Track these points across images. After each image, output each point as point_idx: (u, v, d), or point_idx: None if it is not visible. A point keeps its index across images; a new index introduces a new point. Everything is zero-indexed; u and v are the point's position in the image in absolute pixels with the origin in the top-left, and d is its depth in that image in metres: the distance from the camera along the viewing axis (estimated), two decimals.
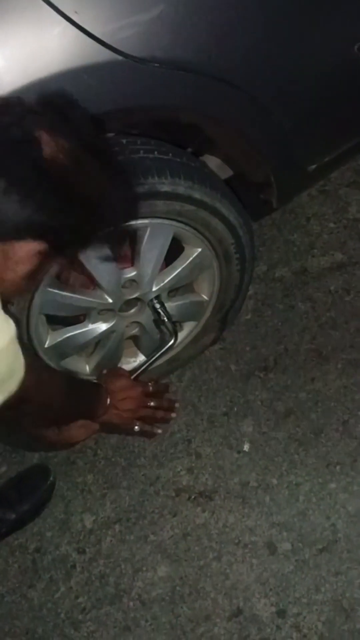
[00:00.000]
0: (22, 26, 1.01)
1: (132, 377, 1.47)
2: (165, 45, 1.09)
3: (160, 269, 1.40)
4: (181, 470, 1.52)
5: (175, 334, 1.46)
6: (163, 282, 1.41)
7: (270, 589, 1.36)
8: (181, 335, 1.55)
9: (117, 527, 1.47)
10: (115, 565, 1.44)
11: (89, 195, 0.84)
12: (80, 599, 1.41)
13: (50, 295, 1.27)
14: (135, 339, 1.55)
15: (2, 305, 0.88)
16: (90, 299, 1.35)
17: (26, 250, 0.84)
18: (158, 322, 1.47)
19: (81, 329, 1.41)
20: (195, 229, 1.35)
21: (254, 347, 1.65)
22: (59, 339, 1.39)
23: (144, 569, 1.42)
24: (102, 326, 1.42)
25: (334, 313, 1.65)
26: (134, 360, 1.59)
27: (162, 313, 1.43)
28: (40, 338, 1.36)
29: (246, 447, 1.52)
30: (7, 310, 0.88)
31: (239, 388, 1.60)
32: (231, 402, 1.59)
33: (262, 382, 1.60)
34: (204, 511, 1.46)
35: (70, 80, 1.04)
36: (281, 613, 1.34)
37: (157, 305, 1.43)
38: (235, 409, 1.58)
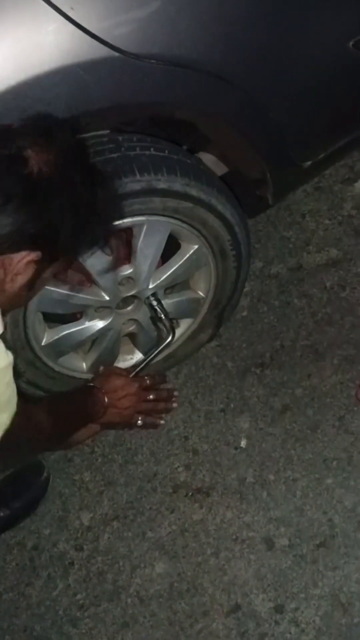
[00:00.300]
0: (18, 22, 1.00)
1: (131, 375, 1.47)
2: (162, 42, 1.08)
3: (156, 266, 1.40)
4: (178, 466, 1.52)
5: (172, 331, 1.46)
6: (160, 279, 1.41)
7: (268, 584, 1.37)
8: (178, 332, 1.55)
9: (114, 524, 1.48)
10: (113, 562, 1.44)
11: (76, 203, 0.90)
12: (78, 596, 1.42)
13: (47, 292, 1.27)
14: (132, 336, 1.55)
15: (1, 315, 0.94)
16: (87, 297, 1.35)
17: (23, 261, 0.90)
18: (155, 319, 1.47)
19: (78, 326, 1.41)
20: (191, 226, 1.35)
21: (250, 344, 1.65)
22: (56, 337, 1.39)
23: (142, 565, 1.42)
24: (99, 324, 1.42)
25: (330, 309, 1.65)
26: (131, 358, 1.59)
27: (159, 310, 1.43)
28: (37, 336, 1.35)
29: (243, 443, 1.52)
30: (5, 341, 0.94)
31: (235, 385, 1.60)
32: (228, 399, 1.59)
33: (259, 379, 1.60)
34: (201, 507, 1.46)
35: (67, 77, 1.04)
36: (279, 608, 1.35)
37: (154, 303, 1.43)
38: (232, 405, 1.58)
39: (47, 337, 1.38)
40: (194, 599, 1.37)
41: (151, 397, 1.49)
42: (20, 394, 0.99)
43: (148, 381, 1.49)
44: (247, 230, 1.45)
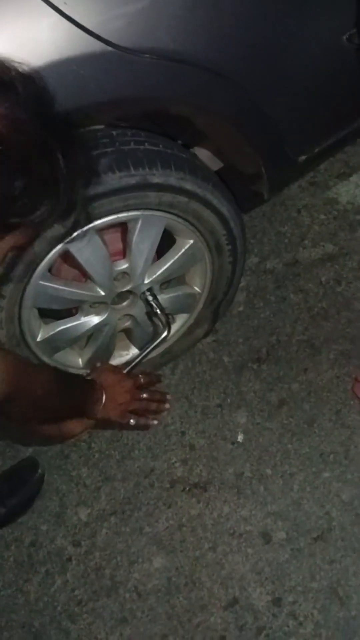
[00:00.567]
0: (12, 18, 1.00)
1: (126, 370, 1.47)
2: (155, 36, 1.08)
3: (152, 261, 1.40)
4: (175, 462, 1.52)
5: (168, 326, 1.46)
6: (155, 274, 1.41)
7: (266, 578, 1.37)
8: (174, 327, 1.55)
9: (112, 519, 1.48)
10: (111, 557, 1.44)
11: (30, 165, 0.79)
12: (76, 592, 1.42)
13: (42, 288, 1.27)
14: (128, 331, 1.55)
15: None
16: (83, 292, 1.34)
17: None
18: (151, 314, 1.47)
19: (73, 322, 1.41)
20: (187, 220, 1.35)
21: (247, 339, 1.66)
22: (52, 333, 1.39)
23: (140, 560, 1.43)
24: (95, 319, 1.42)
25: (326, 304, 1.66)
26: (126, 354, 1.59)
27: (154, 305, 1.43)
28: (32, 332, 1.35)
29: (240, 438, 1.53)
30: None
31: (232, 380, 1.61)
32: (224, 394, 1.59)
33: (255, 374, 1.60)
34: (198, 502, 1.46)
35: (61, 72, 1.04)
36: (277, 601, 1.35)
37: (150, 298, 1.43)
38: (229, 400, 1.58)
39: (43, 333, 1.38)
40: (192, 594, 1.38)
41: (144, 395, 1.49)
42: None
43: (142, 380, 1.49)
44: (242, 225, 1.45)
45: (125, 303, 1.45)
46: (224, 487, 1.47)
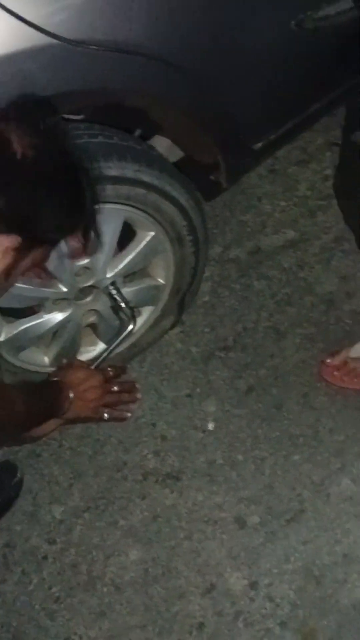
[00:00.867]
0: None
1: (94, 365, 1.47)
2: (102, 27, 1.07)
3: (113, 255, 1.40)
4: (147, 454, 1.53)
5: (133, 319, 1.46)
6: (117, 267, 1.40)
7: (242, 563, 1.39)
8: (140, 320, 1.55)
9: (86, 515, 1.48)
10: (87, 552, 1.44)
11: (60, 187, 0.89)
12: (53, 589, 1.41)
13: None
14: (93, 327, 1.54)
15: None
16: (44, 289, 1.33)
17: (1, 247, 0.88)
18: (115, 308, 1.47)
19: (37, 320, 1.40)
20: (146, 212, 1.34)
21: (213, 328, 1.67)
22: (15, 332, 1.38)
23: (116, 553, 1.43)
24: (58, 316, 1.41)
25: (289, 290, 1.68)
26: (93, 349, 1.58)
27: (118, 299, 1.42)
28: None
29: (211, 426, 1.54)
30: None
31: (200, 369, 1.62)
32: (193, 384, 1.60)
33: (223, 362, 1.61)
34: (172, 492, 1.47)
35: (8, 66, 1.02)
36: (253, 585, 1.37)
37: (113, 292, 1.42)
38: (198, 390, 1.59)
39: (6, 332, 1.37)
40: (169, 583, 1.39)
41: (115, 388, 1.49)
42: None
43: (111, 372, 1.49)
44: (203, 215, 1.45)
45: (88, 298, 1.44)
46: (197, 475, 1.48)
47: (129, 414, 1.50)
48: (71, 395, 1.35)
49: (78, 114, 1.25)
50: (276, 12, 1.25)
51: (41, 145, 0.88)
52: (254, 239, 1.76)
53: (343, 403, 1.52)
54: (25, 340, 1.41)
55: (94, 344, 1.58)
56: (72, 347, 1.50)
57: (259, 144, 1.43)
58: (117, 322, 1.51)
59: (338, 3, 1.30)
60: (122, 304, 1.43)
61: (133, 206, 1.32)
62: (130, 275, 1.48)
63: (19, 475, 1.52)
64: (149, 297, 1.53)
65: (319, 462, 1.47)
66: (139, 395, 1.51)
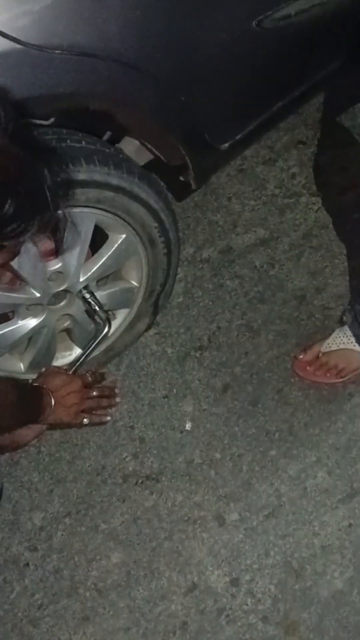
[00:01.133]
0: None
1: (71, 371, 1.47)
2: (65, 32, 1.07)
3: (86, 258, 1.40)
4: (126, 456, 1.53)
5: (108, 323, 1.46)
6: (90, 271, 1.40)
7: (223, 560, 1.40)
8: (115, 323, 1.55)
9: (67, 520, 1.47)
10: (69, 558, 1.44)
11: (23, 185, 0.82)
12: (36, 596, 1.41)
13: None
14: (68, 331, 1.54)
15: None
16: (17, 295, 1.33)
17: None
18: (90, 312, 1.47)
19: (10, 326, 1.39)
20: (116, 215, 1.35)
21: (188, 329, 1.67)
22: None
23: (98, 558, 1.43)
24: (32, 322, 1.40)
25: (261, 287, 1.69)
26: (69, 354, 1.58)
27: (92, 303, 1.42)
28: None
29: (188, 426, 1.55)
30: None
31: (176, 370, 1.62)
32: (170, 384, 1.61)
33: (198, 362, 1.62)
34: (152, 493, 1.48)
35: None
36: (235, 582, 1.38)
37: (87, 296, 1.42)
38: (175, 390, 1.60)
39: None
40: (151, 584, 1.39)
41: (94, 393, 1.50)
42: None
43: (90, 378, 1.49)
44: (174, 216, 1.46)
45: (62, 303, 1.44)
46: (176, 475, 1.49)
47: (108, 418, 1.52)
48: (52, 400, 1.36)
49: (47, 119, 1.24)
50: (237, 12, 1.27)
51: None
52: (226, 239, 1.78)
53: (316, 397, 1.55)
54: None
55: (70, 349, 1.57)
56: (48, 353, 1.49)
57: (226, 144, 1.44)
58: (92, 326, 1.51)
59: (297, 2, 1.32)
60: (97, 308, 1.43)
61: (103, 209, 1.32)
62: (103, 278, 1.48)
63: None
64: (123, 299, 1.53)
65: (295, 456, 1.49)
66: (117, 400, 1.53)
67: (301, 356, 1.56)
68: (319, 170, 1.84)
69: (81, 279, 1.39)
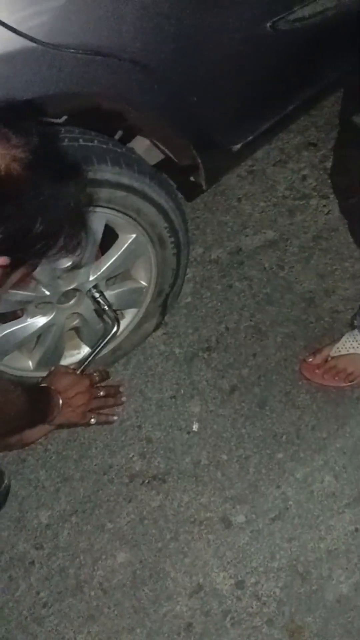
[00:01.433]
0: None
1: (79, 370, 1.47)
2: (79, 31, 1.08)
3: (95, 258, 1.40)
4: (133, 456, 1.53)
5: (117, 322, 1.46)
6: (100, 270, 1.40)
7: (228, 562, 1.39)
8: (123, 323, 1.55)
9: (73, 519, 1.47)
10: (75, 557, 1.44)
11: (48, 204, 0.82)
12: (41, 594, 1.41)
13: None
14: (77, 330, 1.54)
15: None
16: (27, 293, 1.33)
17: None
18: (99, 311, 1.47)
19: (20, 324, 1.40)
20: (127, 215, 1.35)
21: (196, 329, 1.67)
22: None
23: (103, 557, 1.43)
24: (42, 320, 1.40)
25: (270, 289, 1.69)
26: (77, 353, 1.58)
27: (101, 302, 1.43)
28: None
29: (195, 427, 1.54)
30: None
31: (184, 370, 1.62)
32: (177, 385, 1.61)
33: (206, 362, 1.62)
34: (158, 494, 1.48)
35: None
36: (240, 584, 1.38)
37: (96, 295, 1.42)
38: (182, 391, 1.60)
39: None
40: (157, 585, 1.39)
41: (101, 393, 1.51)
42: None
43: (97, 377, 1.50)
44: (183, 217, 1.46)
45: (71, 302, 1.44)
46: (182, 476, 1.49)
47: (114, 418, 1.53)
48: (60, 401, 1.37)
49: (59, 117, 1.25)
50: (251, 14, 1.27)
51: (25, 158, 0.80)
52: (235, 240, 1.78)
53: (324, 400, 1.54)
54: (8, 344, 1.40)
55: (78, 347, 1.58)
56: (56, 351, 1.50)
57: (237, 145, 1.44)
58: (100, 326, 1.51)
59: (312, 5, 1.32)
60: (105, 307, 1.43)
61: (114, 209, 1.32)
62: (112, 278, 1.48)
63: (6, 481, 1.51)
64: (132, 299, 1.53)
65: (302, 459, 1.48)
66: (123, 399, 1.55)
67: (310, 359, 1.55)
68: (330, 173, 1.84)
69: (91, 278, 1.40)
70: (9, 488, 1.51)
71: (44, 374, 1.45)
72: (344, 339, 1.54)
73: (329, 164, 1.86)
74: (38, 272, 1.30)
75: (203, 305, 1.70)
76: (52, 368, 1.46)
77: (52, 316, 1.40)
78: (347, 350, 1.53)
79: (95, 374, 1.52)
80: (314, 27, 1.34)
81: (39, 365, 1.49)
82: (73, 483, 1.52)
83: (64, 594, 1.40)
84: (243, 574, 1.38)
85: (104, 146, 1.27)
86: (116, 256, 1.41)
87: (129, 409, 1.58)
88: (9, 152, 0.79)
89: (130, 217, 1.35)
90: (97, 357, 1.52)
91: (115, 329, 1.47)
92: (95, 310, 1.47)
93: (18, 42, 1.02)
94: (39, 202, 0.80)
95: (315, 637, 1.32)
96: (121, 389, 1.52)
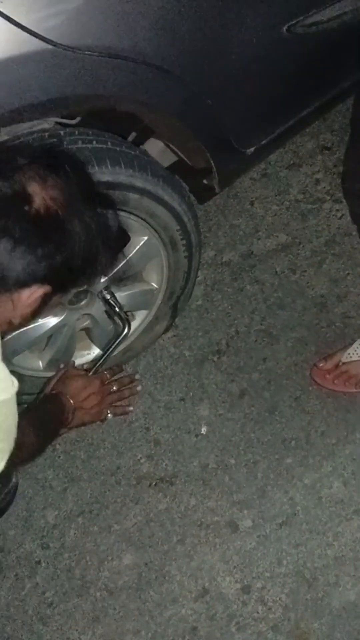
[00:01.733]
0: None
1: (91, 373, 1.48)
2: (96, 33, 1.08)
3: None
4: (141, 458, 1.53)
5: (128, 324, 1.46)
6: (111, 272, 1.40)
7: (234, 567, 1.39)
8: (134, 324, 1.55)
9: (80, 519, 1.48)
10: (81, 557, 1.44)
11: (86, 237, 0.89)
12: (47, 594, 1.41)
13: None
14: (88, 331, 1.55)
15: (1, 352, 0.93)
16: None
17: (33, 296, 0.89)
18: (110, 312, 1.47)
19: (31, 324, 1.40)
20: (139, 217, 1.35)
21: (206, 332, 1.67)
22: (9, 336, 1.37)
23: (109, 558, 1.43)
24: (53, 320, 1.41)
25: (282, 293, 1.68)
26: (88, 353, 1.59)
27: (113, 303, 1.43)
28: None
29: (204, 430, 1.54)
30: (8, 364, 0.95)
31: (193, 373, 1.62)
32: (187, 388, 1.60)
33: (216, 366, 1.62)
34: (165, 496, 1.47)
35: (0, 72, 1.03)
36: (246, 589, 1.37)
37: (108, 296, 1.42)
38: (191, 393, 1.59)
39: None
40: (162, 587, 1.39)
41: (115, 388, 1.52)
42: None
43: (107, 375, 1.51)
44: (196, 219, 1.45)
45: (82, 302, 1.44)
46: (190, 479, 1.49)
47: (131, 408, 1.56)
48: (73, 406, 1.38)
49: (73, 119, 1.25)
50: (268, 17, 1.26)
51: (62, 196, 0.86)
52: (247, 243, 1.77)
53: (334, 406, 1.53)
54: (19, 344, 1.40)
55: (88, 348, 1.58)
56: (67, 352, 1.50)
57: (251, 149, 1.44)
58: (111, 327, 1.51)
59: (329, 9, 1.32)
60: (116, 309, 1.43)
61: (126, 211, 1.32)
62: (124, 279, 1.48)
63: (14, 480, 1.51)
64: (143, 301, 1.53)
65: (310, 465, 1.47)
66: (139, 388, 1.56)
67: (321, 364, 1.55)
68: (344, 177, 1.82)
69: (102, 279, 1.39)
70: (16, 487, 1.51)
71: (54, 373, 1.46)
72: (355, 344, 1.53)
73: (343, 168, 1.84)
74: None
75: (214, 308, 1.70)
76: (61, 366, 1.46)
77: (63, 317, 1.41)
78: (359, 356, 1.52)
79: (106, 372, 1.53)
80: (331, 31, 1.33)
81: (49, 366, 1.50)
82: (80, 483, 1.52)
83: (70, 594, 1.41)
84: (249, 578, 1.38)
85: (118, 148, 1.27)
86: (127, 258, 1.41)
87: (138, 410, 1.58)
88: (47, 192, 0.85)
89: (142, 219, 1.35)
90: (107, 359, 1.52)
91: (125, 330, 1.47)
92: (106, 312, 1.48)
93: (34, 44, 1.03)
94: (77, 237, 0.88)
95: None
96: (136, 376, 1.54)
